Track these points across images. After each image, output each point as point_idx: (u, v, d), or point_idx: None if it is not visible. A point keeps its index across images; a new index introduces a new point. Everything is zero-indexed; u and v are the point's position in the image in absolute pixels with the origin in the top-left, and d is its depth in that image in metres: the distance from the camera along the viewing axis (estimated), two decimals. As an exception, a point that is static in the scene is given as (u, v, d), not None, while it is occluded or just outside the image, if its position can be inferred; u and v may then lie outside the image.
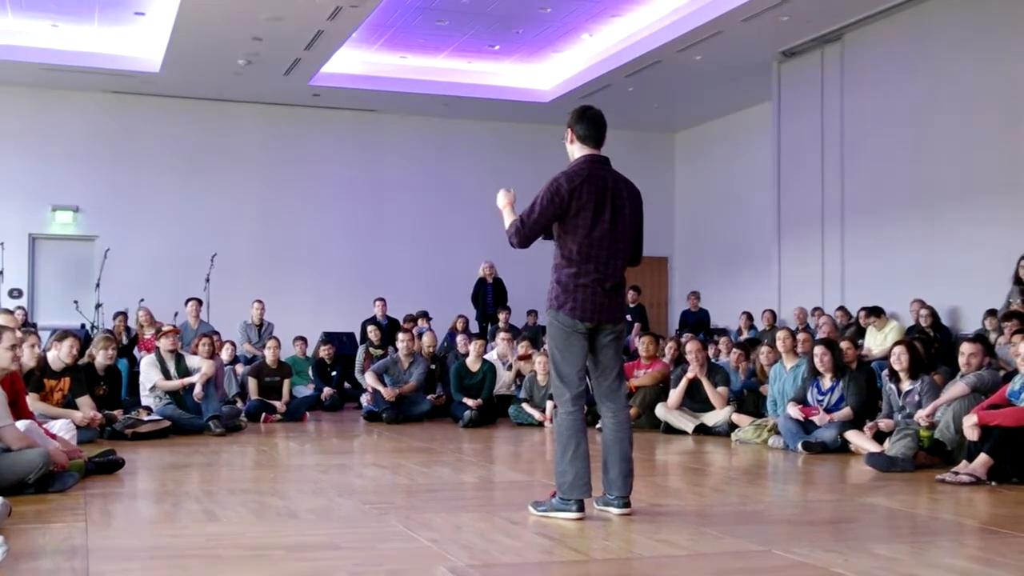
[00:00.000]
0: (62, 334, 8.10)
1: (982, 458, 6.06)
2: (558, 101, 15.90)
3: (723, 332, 14.61)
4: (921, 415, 6.97)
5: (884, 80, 12.77)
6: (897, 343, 7.65)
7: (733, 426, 8.82)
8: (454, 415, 10.34)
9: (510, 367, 11.33)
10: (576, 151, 4.89)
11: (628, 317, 13.41)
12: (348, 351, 12.92)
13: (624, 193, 4.83)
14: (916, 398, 7.25)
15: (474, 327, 14.41)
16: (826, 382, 8.01)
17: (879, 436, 7.36)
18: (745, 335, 13.58)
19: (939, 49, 12.01)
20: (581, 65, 15.17)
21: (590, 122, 4.88)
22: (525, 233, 4.76)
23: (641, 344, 10.19)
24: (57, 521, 4.68)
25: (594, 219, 4.72)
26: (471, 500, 5.69)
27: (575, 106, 5.14)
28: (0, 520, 4.34)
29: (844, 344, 8.69)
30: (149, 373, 9.19)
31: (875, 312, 11.36)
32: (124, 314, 13.17)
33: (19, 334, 6.27)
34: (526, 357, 11.40)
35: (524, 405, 10.20)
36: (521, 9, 13.13)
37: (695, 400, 9.26)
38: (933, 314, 11.07)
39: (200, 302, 13.13)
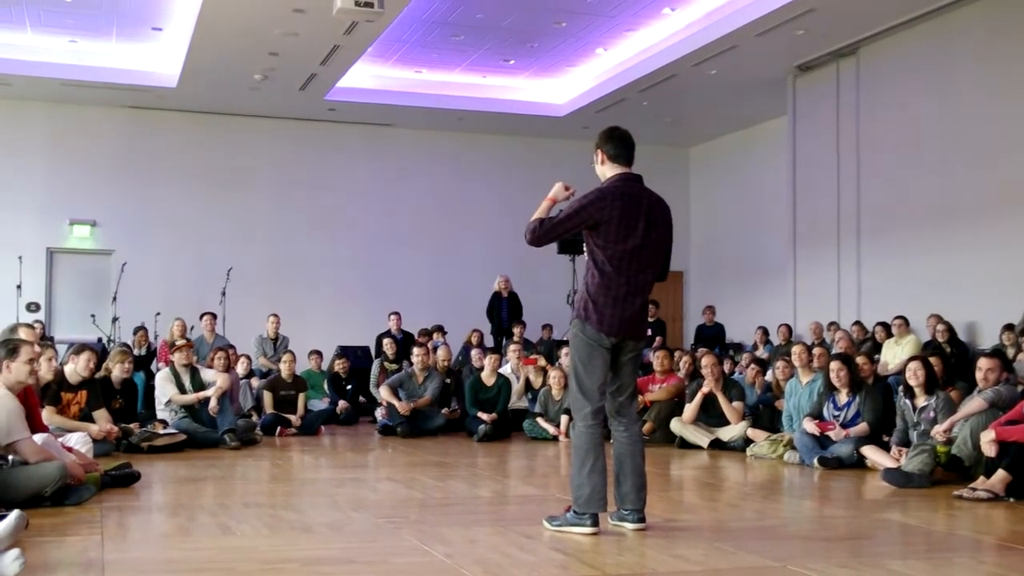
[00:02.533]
0: (79, 348, 8.15)
1: (1000, 474, 6.02)
2: (573, 115, 15.93)
3: (739, 347, 14.57)
4: (938, 431, 6.92)
5: (900, 93, 12.75)
6: (912, 358, 7.60)
7: (748, 441, 8.78)
8: (468, 429, 10.33)
9: (523, 379, 11.28)
10: (607, 171, 4.92)
11: (648, 332, 13.37)
12: (363, 365, 12.93)
13: (657, 210, 4.86)
14: (931, 414, 7.21)
15: (489, 341, 14.40)
16: (842, 397, 7.98)
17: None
18: (760, 350, 13.54)
19: (956, 61, 11.99)
20: (596, 80, 15.19)
21: (619, 141, 4.91)
22: (541, 233, 4.78)
23: (656, 358, 10.17)
24: (73, 534, 4.70)
25: (627, 233, 4.75)
26: (485, 514, 5.68)
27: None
28: (17, 532, 4.36)
29: (860, 359, 8.65)
30: (164, 387, 9.22)
31: (898, 319, 11.31)
32: (145, 328, 13.22)
33: (37, 348, 6.31)
34: (531, 362, 11.37)
35: (539, 419, 10.18)
36: (536, 24, 13.18)
37: (710, 415, 9.23)
38: (949, 329, 11.01)
39: (215, 316, 13.17)
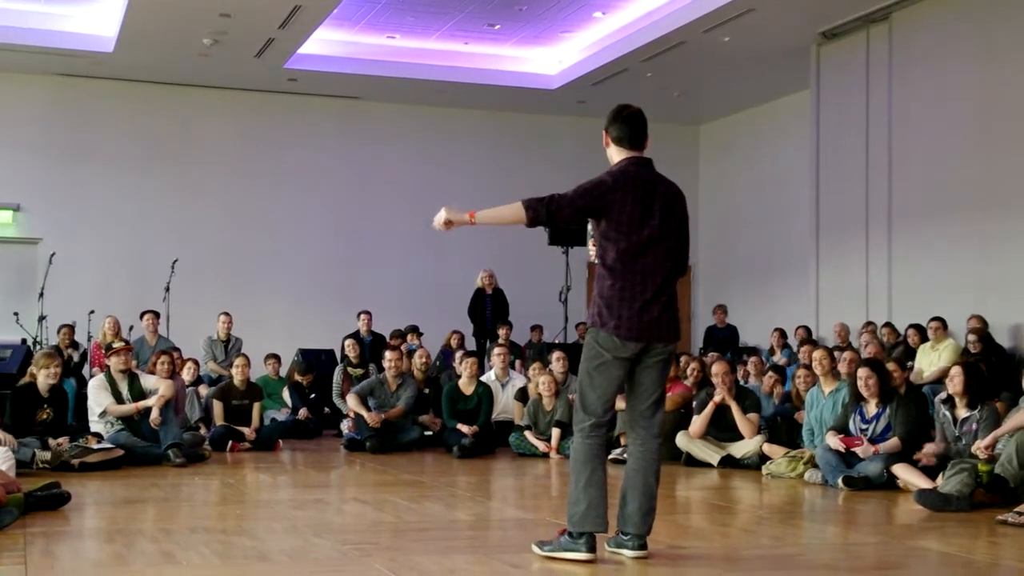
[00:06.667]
0: None
1: (1050, 496, 6.05)
2: (566, 88, 15.91)
3: (753, 351, 14.59)
4: (979, 447, 6.96)
5: (939, 65, 12.77)
6: (954, 364, 7.63)
7: (764, 458, 8.80)
8: (447, 444, 10.32)
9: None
10: (615, 155, 4.98)
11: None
12: (327, 371, 12.92)
13: (671, 196, 4.90)
14: (973, 427, 7.24)
15: (471, 344, 14.39)
16: (870, 408, 8.00)
17: (929, 470, 7.35)
18: (778, 355, 13.57)
19: (1001, 28, 12.01)
20: (593, 48, 15.18)
21: (625, 123, 4.94)
22: (554, 207, 4.78)
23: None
24: (-7, 563, 4.68)
25: (642, 222, 4.79)
26: (466, 540, 5.69)
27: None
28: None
29: (891, 365, 8.68)
30: (98, 396, 9.16)
31: (935, 321, 11.32)
32: (71, 327, 13.14)
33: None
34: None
35: (527, 433, 10.17)
36: (525, -17, 13.19)
37: (721, 428, 9.24)
38: (983, 336, 10.96)
39: (158, 315, 13.11)
